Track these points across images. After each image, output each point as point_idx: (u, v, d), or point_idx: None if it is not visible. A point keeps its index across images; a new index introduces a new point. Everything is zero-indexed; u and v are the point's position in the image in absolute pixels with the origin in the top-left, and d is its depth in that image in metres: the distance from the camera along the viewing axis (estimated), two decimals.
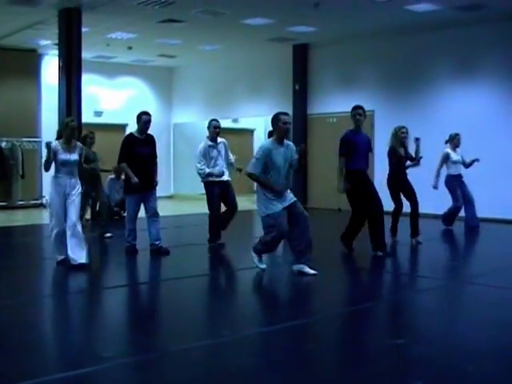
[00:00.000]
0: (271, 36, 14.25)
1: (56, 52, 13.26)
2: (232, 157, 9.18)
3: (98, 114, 17.62)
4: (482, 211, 12.16)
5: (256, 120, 18.75)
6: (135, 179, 8.08)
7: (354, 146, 8.08)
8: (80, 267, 7.17)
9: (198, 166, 8.83)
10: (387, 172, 9.43)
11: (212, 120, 9.08)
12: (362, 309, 5.90)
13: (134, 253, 8.38)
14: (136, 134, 8.41)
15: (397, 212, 9.46)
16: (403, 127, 9.31)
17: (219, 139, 9.03)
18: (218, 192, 8.87)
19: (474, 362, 4.24)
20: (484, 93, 12.66)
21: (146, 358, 4.31)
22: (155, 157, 8.53)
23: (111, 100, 17.98)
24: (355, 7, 11.69)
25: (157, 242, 8.40)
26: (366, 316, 5.71)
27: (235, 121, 17.29)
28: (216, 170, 8.84)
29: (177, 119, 19.28)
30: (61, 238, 7.32)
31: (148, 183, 8.29)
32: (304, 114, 15.64)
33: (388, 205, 9.01)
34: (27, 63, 16.14)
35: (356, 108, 8.21)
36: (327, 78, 15.32)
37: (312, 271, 6.89)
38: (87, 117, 14.20)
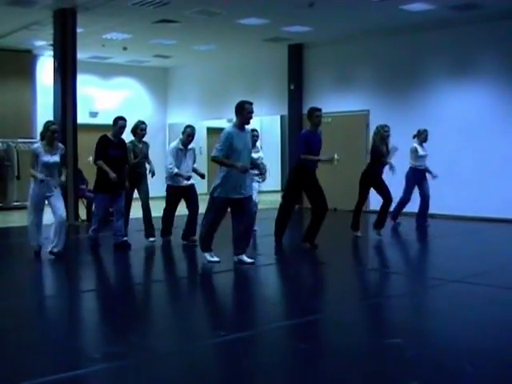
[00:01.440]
0: (266, 36, 14.25)
1: (51, 53, 13.23)
2: (195, 164, 9.37)
3: (94, 114, 17.58)
4: (477, 210, 12.22)
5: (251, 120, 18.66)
6: (113, 174, 8.40)
7: (313, 144, 8.57)
8: (59, 254, 7.97)
9: (168, 165, 9.08)
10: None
11: (187, 127, 9.25)
12: (356, 308, 5.92)
13: (126, 248, 8.77)
14: (110, 137, 8.73)
15: (359, 207, 9.75)
16: (386, 125, 9.85)
17: (191, 145, 9.25)
18: (179, 198, 9.28)
19: (471, 361, 4.24)
20: (479, 92, 12.67)
21: (140, 359, 4.31)
22: (126, 162, 8.87)
23: (106, 101, 17.92)
24: (350, 7, 11.70)
25: (120, 237, 8.78)
26: (360, 315, 5.73)
27: (230, 121, 17.24)
28: (184, 172, 9.06)
29: (172, 119, 19.25)
30: (36, 226, 8.04)
31: (118, 185, 8.59)
32: (299, 114, 15.62)
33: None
34: (22, 64, 16.09)
35: (319, 109, 8.69)
36: (322, 77, 15.32)
37: (249, 260, 7.56)
38: (82, 117, 14.16)
